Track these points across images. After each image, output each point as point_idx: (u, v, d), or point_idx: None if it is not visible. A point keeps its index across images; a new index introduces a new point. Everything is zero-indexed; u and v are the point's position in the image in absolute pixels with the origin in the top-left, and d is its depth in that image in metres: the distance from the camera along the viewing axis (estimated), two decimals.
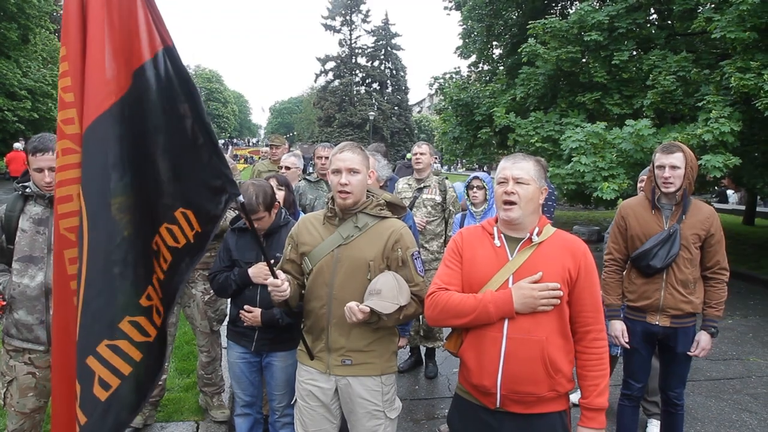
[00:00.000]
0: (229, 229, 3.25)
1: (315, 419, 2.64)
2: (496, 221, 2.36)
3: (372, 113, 46.88)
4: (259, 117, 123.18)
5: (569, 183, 8.38)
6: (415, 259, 2.62)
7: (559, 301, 2.16)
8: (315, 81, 56.81)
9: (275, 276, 2.43)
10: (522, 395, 2.16)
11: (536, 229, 2.27)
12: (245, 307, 3.03)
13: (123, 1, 1.88)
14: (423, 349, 5.41)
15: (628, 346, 3.43)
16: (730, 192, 22.65)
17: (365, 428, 2.61)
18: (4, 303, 2.74)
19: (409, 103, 57.15)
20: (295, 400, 2.73)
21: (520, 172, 2.25)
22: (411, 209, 5.16)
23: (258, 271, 2.98)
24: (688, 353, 3.36)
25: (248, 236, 3.11)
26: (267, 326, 3.02)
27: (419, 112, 71.41)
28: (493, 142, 12.31)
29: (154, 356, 1.93)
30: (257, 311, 3.01)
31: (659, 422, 3.75)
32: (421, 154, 5.17)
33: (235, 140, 69.49)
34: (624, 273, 3.54)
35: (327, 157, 4.52)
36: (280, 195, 3.70)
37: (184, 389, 4.00)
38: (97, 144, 1.83)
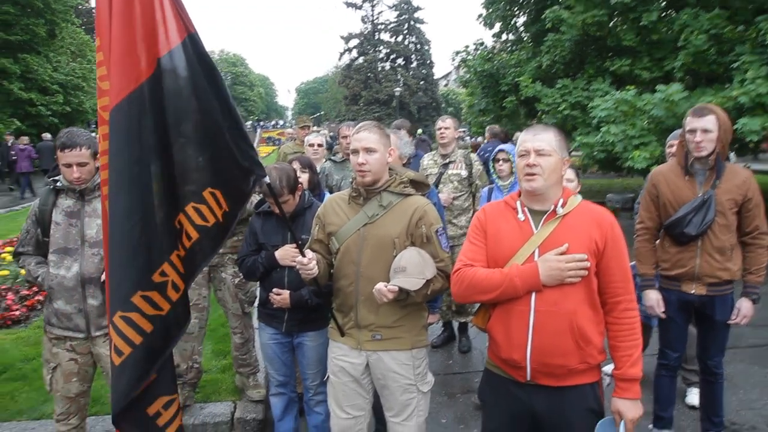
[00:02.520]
0: (254, 213, 3.29)
1: (348, 394, 2.69)
2: (519, 195, 2.32)
3: (398, 89, 46.52)
4: (286, 98, 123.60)
5: (599, 152, 8.18)
6: (440, 235, 2.62)
7: (586, 272, 2.12)
8: (339, 59, 56.59)
9: (303, 255, 2.47)
10: (552, 368, 2.15)
11: (560, 201, 2.23)
12: (274, 289, 3.08)
13: None
14: (456, 324, 5.42)
15: (663, 315, 3.36)
16: None
17: (398, 402, 2.65)
18: (45, 293, 2.84)
19: (435, 77, 56.41)
20: (328, 377, 2.78)
21: (542, 144, 2.21)
22: (437, 185, 5.13)
23: (285, 254, 3.01)
24: (728, 322, 3.28)
25: (274, 220, 3.15)
26: (296, 307, 3.07)
27: (446, 85, 70.51)
28: (520, 111, 12.09)
29: (167, 328, 2.04)
30: (285, 293, 3.05)
31: (699, 391, 3.69)
32: (446, 128, 5.11)
33: (262, 123, 69.93)
34: (657, 241, 3.46)
35: (347, 136, 4.51)
36: (304, 177, 3.71)
37: (221, 370, 4.10)
38: (119, 125, 1.91)
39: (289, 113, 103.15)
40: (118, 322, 1.89)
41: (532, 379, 2.20)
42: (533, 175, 2.20)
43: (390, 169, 2.72)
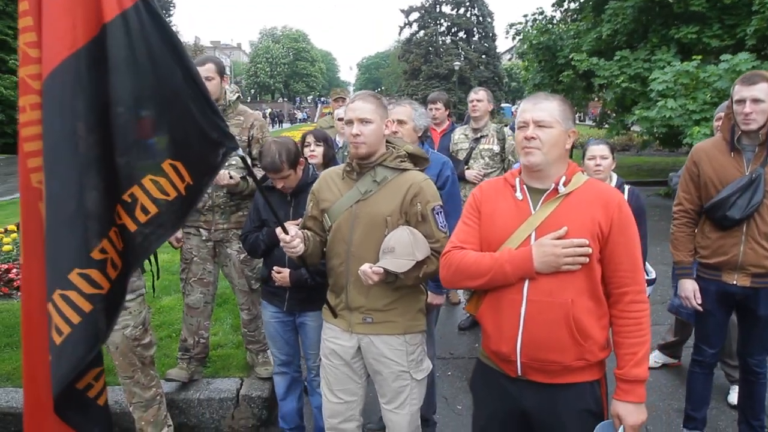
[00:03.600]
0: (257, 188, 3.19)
1: (339, 378, 2.57)
2: (520, 172, 2.09)
3: (458, 63, 45.45)
4: (348, 74, 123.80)
5: (659, 127, 7.59)
6: (436, 213, 2.42)
7: (587, 260, 1.88)
8: (399, 34, 55.81)
9: (286, 232, 2.34)
10: (544, 363, 1.93)
11: (563, 179, 1.98)
12: (275, 267, 2.98)
13: None
14: None
15: (700, 308, 3.04)
16: None
17: (391, 389, 2.51)
18: None
19: (498, 51, 54.74)
20: (320, 359, 2.67)
21: (542, 114, 1.96)
22: (468, 161, 4.89)
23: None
24: None
25: (276, 195, 3.04)
26: (296, 286, 2.96)
27: (510, 59, 68.41)
28: (578, 85, 11.45)
29: (106, 307, 1.92)
30: (286, 271, 2.94)
31: (738, 390, 3.34)
32: (478, 101, 4.84)
33: (323, 98, 70.38)
34: (697, 226, 3.11)
35: None
36: (318, 151, 3.58)
37: (236, 346, 4.08)
38: (53, 95, 1.79)
39: (351, 88, 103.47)
40: (57, 300, 1.81)
41: (523, 375, 1.99)
42: (531, 148, 1.97)
43: (388, 142, 2.54)
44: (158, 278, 3.26)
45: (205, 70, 3.37)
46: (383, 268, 2.24)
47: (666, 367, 4.32)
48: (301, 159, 3.01)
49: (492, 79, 50.40)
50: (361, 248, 2.41)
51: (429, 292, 3.10)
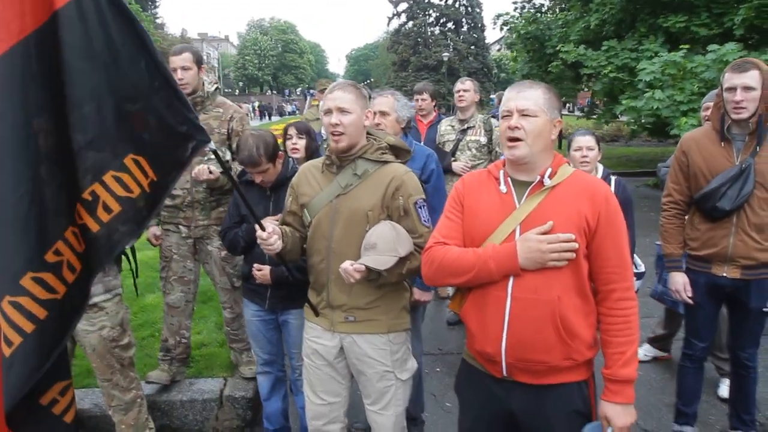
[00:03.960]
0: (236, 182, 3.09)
1: (322, 379, 2.49)
2: (504, 164, 2.01)
3: (446, 54, 45.25)
4: (336, 66, 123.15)
5: (647, 117, 7.54)
6: (419, 207, 2.34)
7: (573, 255, 1.81)
8: (388, 24, 55.46)
9: (263, 229, 2.25)
10: (531, 363, 1.86)
11: (548, 171, 1.90)
12: (255, 264, 2.89)
13: None
14: None
15: (690, 301, 2.99)
16: None
17: (375, 389, 2.44)
18: None
19: (487, 41, 54.55)
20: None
21: (526, 103, 1.88)
22: (454, 152, 4.81)
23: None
24: (764, 309, 2.88)
25: (255, 190, 2.95)
26: (278, 284, 2.88)
27: (499, 50, 68.22)
28: (567, 76, 11.38)
29: (63, 314, 1.82)
30: (266, 269, 2.86)
31: (729, 384, 3.30)
32: (465, 91, 4.76)
33: (312, 90, 69.89)
34: (686, 217, 3.05)
35: None
36: (300, 144, 3.50)
37: (219, 344, 3.99)
38: (0, 85, 1.67)
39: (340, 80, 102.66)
40: (6, 308, 1.68)
41: (509, 375, 1.92)
42: (517, 140, 1.89)
43: (368, 134, 2.45)
44: (137, 276, 3.16)
45: (182, 60, 3.27)
46: (365, 265, 2.16)
47: (656, 360, 4.29)
48: (280, 152, 2.91)
49: (481, 70, 50.25)
50: (342, 244, 2.33)
51: (415, 289, 3.03)
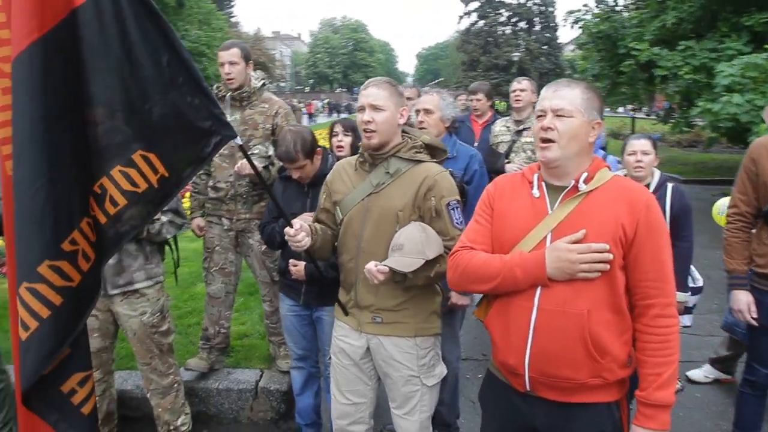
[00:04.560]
0: (277, 178, 3.11)
1: (348, 378, 2.45)
2: (539, 167, 1.90)
3: (517, 54, 44.30)
4: (407, 65, 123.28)
5: (725, 121, 7.04)
6: (452, 209, 2.26)
7: (606, 267, 1.68)
8: (458, 23, 54.97)
9: (291, 225, 2.24)
10: (555, 379, 1.75)
11: (584, 175, 1.78)
12: (291, 260, 2.90)
13: None
14: None
15: (755, 322, 2.74)
16: None
17: (400, 393, 2.38)
18: None
19: (560, 41, 52.97)
20: (330, 357, 2.57)
21: (561, 102, 1.76)
22: (508, 154, 4.65)
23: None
24: None
25: (294, 186, 2.94)
26: (312, 280, 2.86)
27: (573, 50, 66.18)
28: (640, 77, 10.81)
29: (78, 301, 1.87)
30: (301, 264, 2.85)
31: None
32: (521, 90, 4.58)
33: None
34: (753, 231, 2.81)
35: (410, 98, 4.16)
36: (346, 141, 3.46)
37: (261, 337, 4.03)
38: (22, 79, 1.72)
39: (410, 80, 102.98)
40: (23, 293, 1.75)
41: (532, 390, 1.81)
42: (548, 141, 1.78)
43: (404, 132, 2.39)
44: (178, 266, 3.24)
45: (230, 55, 3.33)
46: (389, 266, 2.10)
47: (718, 383, 3.98)
48: (318, 148, 2.90)
49: (553, 71, 48.85)
50: (372, 244, 2.28)
51: (453, 293, 2.95)
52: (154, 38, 1.85)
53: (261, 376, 3.57)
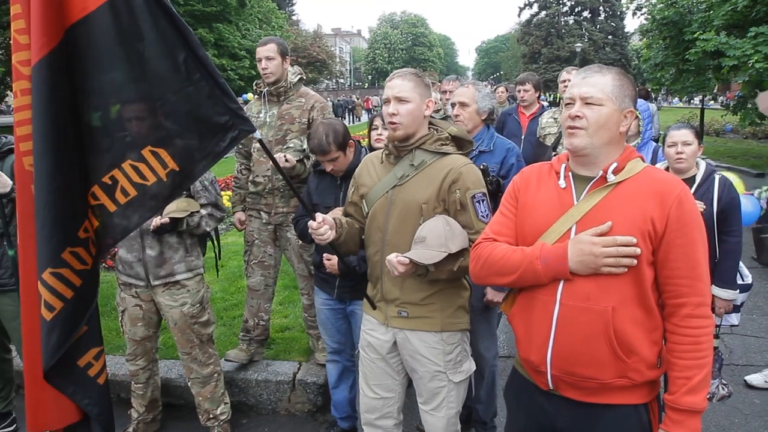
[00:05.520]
0: (311, 172, 3.13)
1: (375, 372, 2.44)
2: (568, 158, 1.81)
3: (580, 45, 42.90)
4: (466, 59, 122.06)
5: None
6: (477, 202, 2.20)
7: (633, 261, 1.59)
8: (519, 15, 53.86)
9: (314, 218, 2.24)
10: (578, 378, 1.67)
11: (613, 165, 1.68)
12: (324, 254, 2.91)
13: None
14: None
15: None
16: None
17: (427, 389, 2.35)
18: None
19: (626, 30, 50.89)
20: (358, 350, 2.57)
21: (591, 90, 1.67)
22: (555, 147, 4.50)
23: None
24: None
25: (328, 179, 2.95)
26: (345, 274, 2.87)
27: (641, 39, 63.36)
28: (707, 64, 10.20)
29: (91, 283, 2.09)
30: (335, 258, 2.85)
31: None
32: (570, 80, 4.42)
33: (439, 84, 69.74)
34: None
35: (452, 92, 4.10)
36: (385, 134, 3.45)
37: (302, 329, 4.07)
38: (42, 82, 1.85)
39: (470, 73, 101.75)
40: (47, 278, 1.92)
41: (555, 389, 1.74)
42: (575, 128, 1.69)
43: (431, 124, 2.34)
44: (220, 259, 3.33)
45: (266, 50, 3.39)
46: (409, 258, 2.07)
47: None
48: (351, 141, 2.89)
49: (619, 61, 47.06)
50: (396, 236, 2.26)
51: (488, 288, 2.88)
52: (170, 37, 1.92)
53: (299, 368, 3.61)
